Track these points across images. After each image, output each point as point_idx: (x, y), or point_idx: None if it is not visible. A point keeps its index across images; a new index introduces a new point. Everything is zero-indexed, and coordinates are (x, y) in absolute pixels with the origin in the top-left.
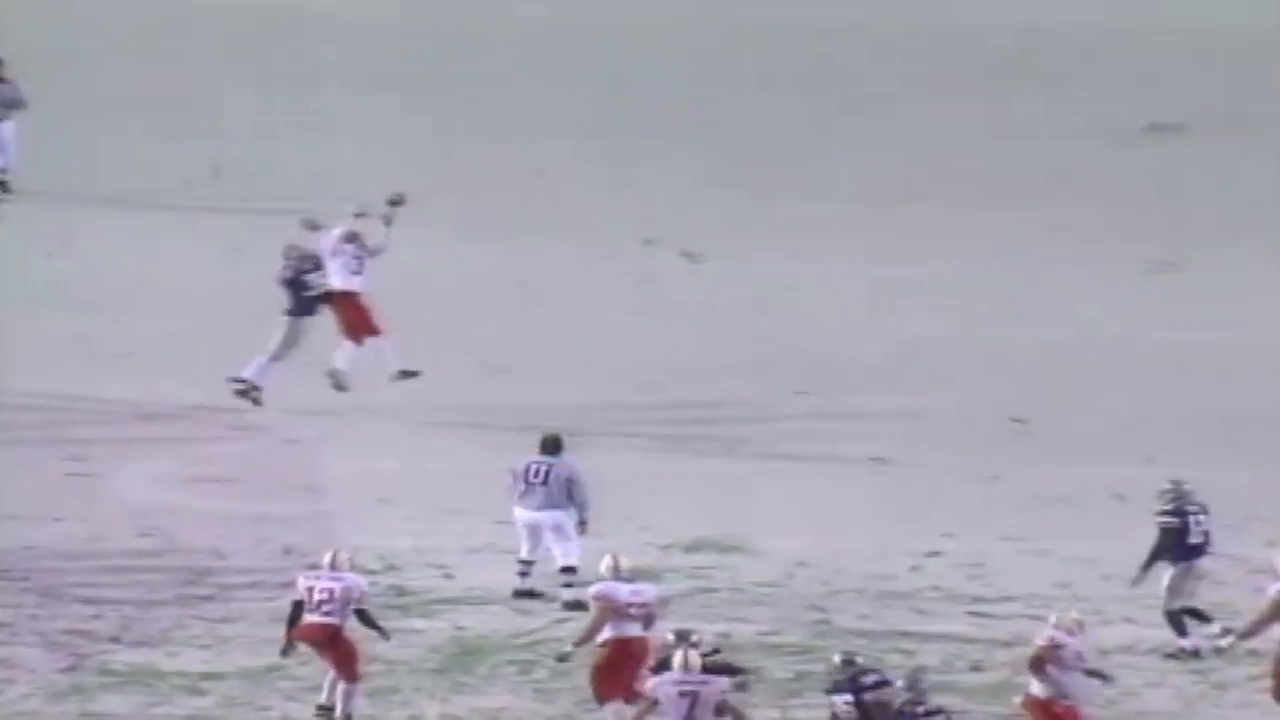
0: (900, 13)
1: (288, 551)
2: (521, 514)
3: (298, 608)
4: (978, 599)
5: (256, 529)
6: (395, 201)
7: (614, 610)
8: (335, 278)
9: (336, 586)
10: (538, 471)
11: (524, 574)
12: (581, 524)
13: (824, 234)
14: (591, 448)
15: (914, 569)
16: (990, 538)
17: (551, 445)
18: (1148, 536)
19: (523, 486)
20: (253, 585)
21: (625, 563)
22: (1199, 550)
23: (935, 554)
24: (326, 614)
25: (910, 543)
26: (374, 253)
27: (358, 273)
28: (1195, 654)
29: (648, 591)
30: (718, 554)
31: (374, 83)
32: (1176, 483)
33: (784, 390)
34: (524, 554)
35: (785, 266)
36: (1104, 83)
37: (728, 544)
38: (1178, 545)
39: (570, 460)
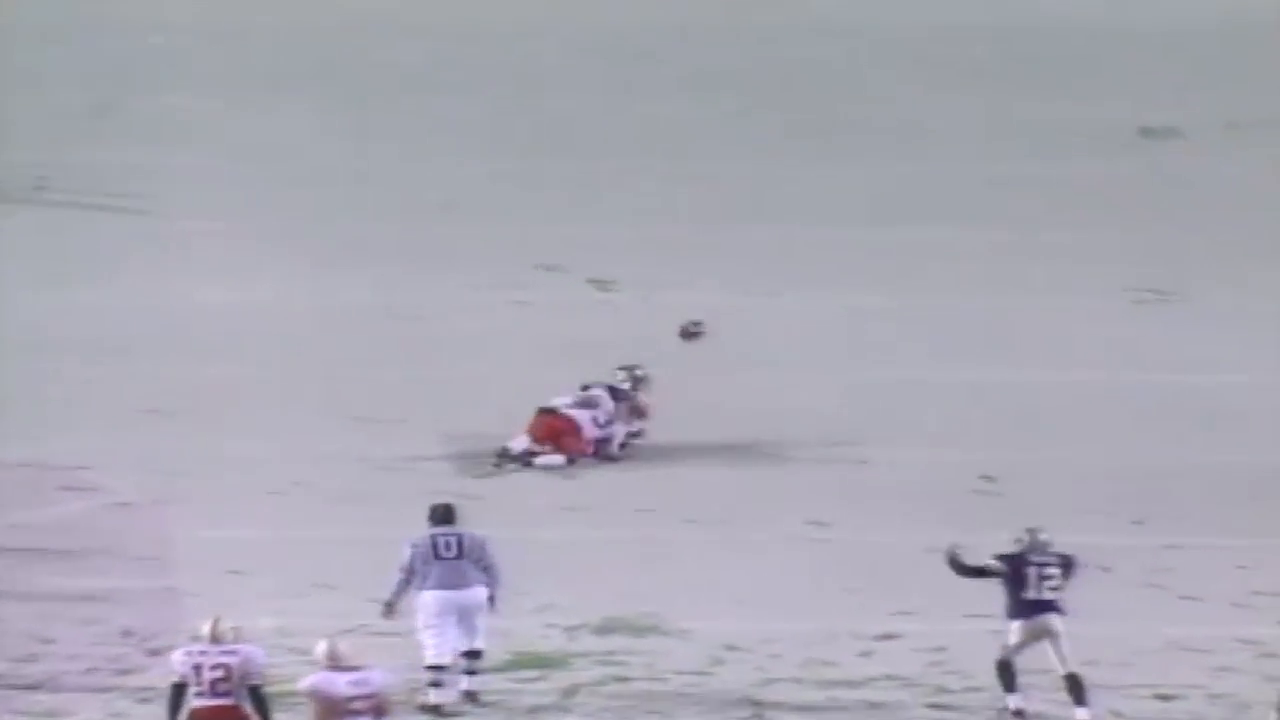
0: (859, 11)
1: (126, 634)
2: (438, 597)
3: (179, 691)
4: (940, 689)
5: (87, 608)
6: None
7: (332, 708)
8: None
9: (232, 661)
10: (449, 544)
11: (438, 684)
12: (491, 600)
13: (758, 260)
14: (482, 509)
15: (864, 654)
16: (954, 616)
17: (444, 516)
18: (1140, 614)
19: (432, 565)
20: (86, 673)
21: (344, 647)
22: (1043, 607)
23: (889, 636)
24: (222, 694)
25: (859, 623)
26: None
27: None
28: (1019, 716)
29: (372, 680)
30: (632, 636)
31: (222, 84)
32: (1031, 531)
33: (707, 440)
34: (433, 655)
35: (711, 296)
36: (1089, 85)
37: (644, 624)
38: (1013, 598)
39: (473, 532)
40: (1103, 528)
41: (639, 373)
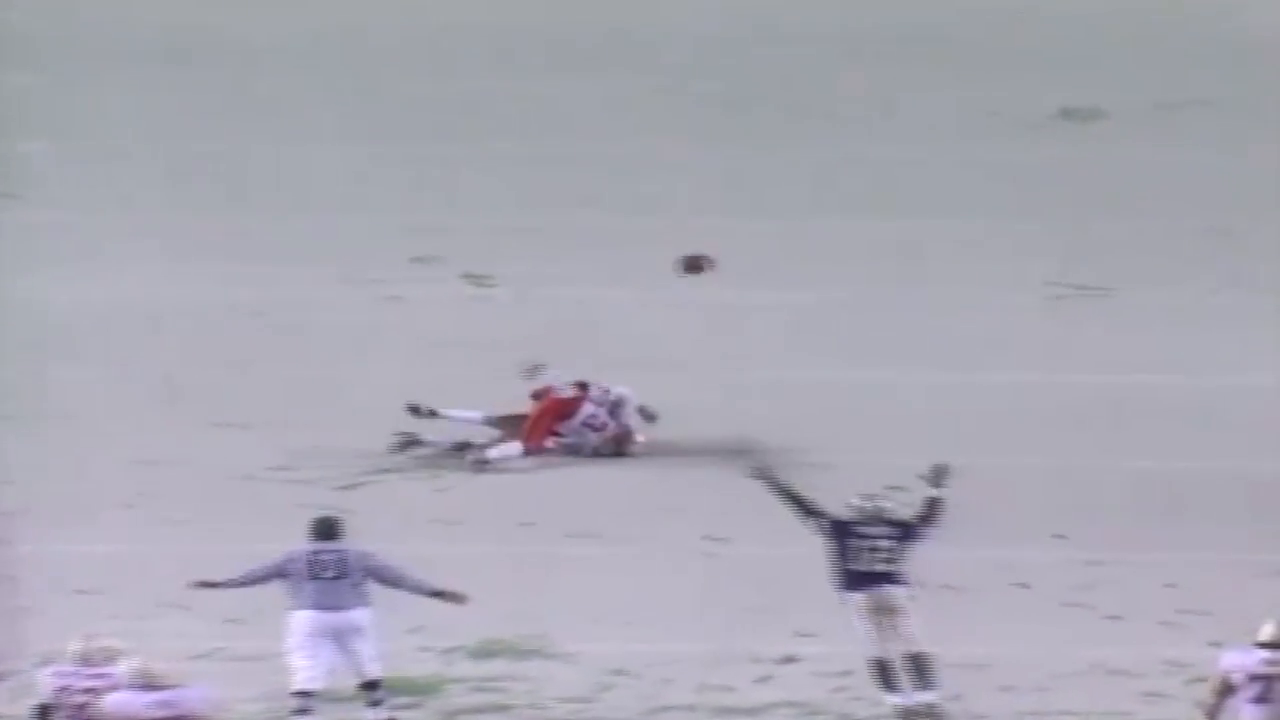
0: None
1: None
2: (311, 619)
3: (44, 713)
4: (844, 717)
5: None
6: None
7: None
8: None
9: (99, 685)
10: (327, 563)
11: (305, 711)
12: (439, 594)
13: (647, 252)
14: (350, 522)
15: (762, 679)
16: (860, 638)
17: (324, 530)
18: (1061, 634)
19: (307, 583)
20: None
21: (155, 666)
22: (876, 578)
23: (790, 660)
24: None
25: (757, 645)
26: None
27: None
28: (925, 714)
29: (181, 701)
30: (513, 660)
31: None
32: (869, 498)
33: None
34: (301, 680)
35: (597, 291)
36: (1004, 62)
37: (525, 647)
38: (838, 569)
39: (359, 547)
40: (1019, 542)
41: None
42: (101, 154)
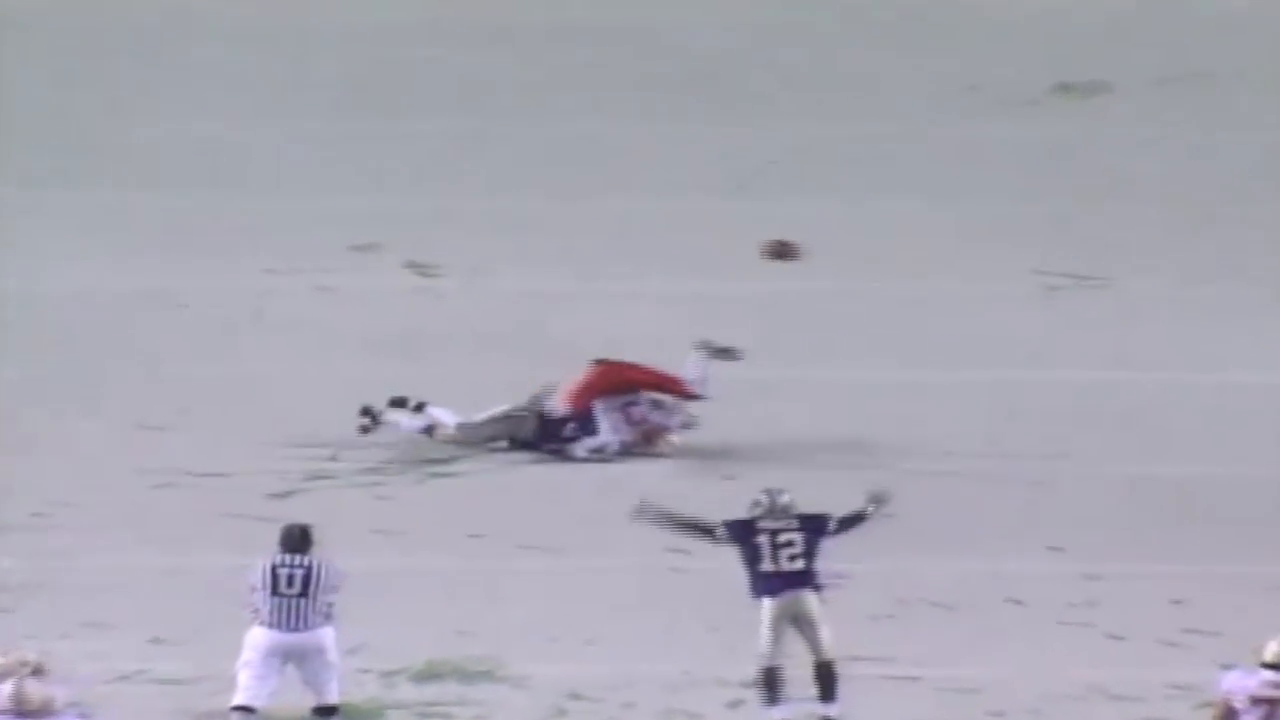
0: None
1: None
2: (267, 637)
3: None
4: None
5: None
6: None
7: None
8: None
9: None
10: (291, 578)
11: None
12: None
13: (608, 239)
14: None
15: (732, 704)
16: (837, 656)
17: (293, 541)
18: (1058, 654)
19: (269, 598)
20: None
21: (30, 688)
22: (790, 580)
23: None
24: None
25: (725, 668)
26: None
27: None
28: None
29: None
30: (460, 683)
31: None
32: (769, 493)
33: (549, 455)
34: (242, 696)
35: (553, 282)
36: (996, 33)
37: (474, 668)
38: (751, 573)
39: (328, 559)
40: (1012, 554)
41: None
42: (2, 129)
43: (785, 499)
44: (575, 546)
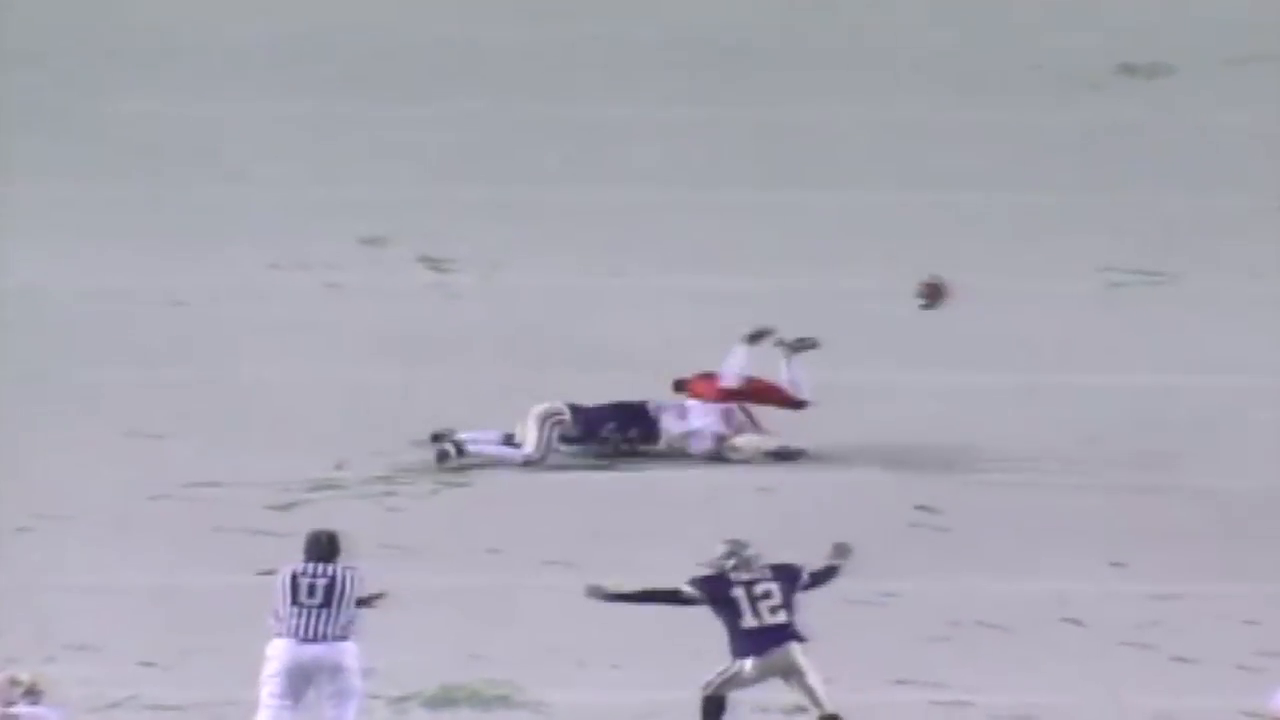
0: None
1: None
2: (289, 650)
3: None
4: None
5: None
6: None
7: None
8: None
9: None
10: (313, 587)
11: None
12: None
13: (636, 231)
14: (284, 549)
15: None
16: (882, 681)
17: (318, 549)
18: (1122, 679)
19: (290, 610)
20: None
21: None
22: (775, 635)
23: (801, 709)
24: None
25: (762, 693)
26: None
27: None
28: None
29: None
30: (476, 709)
31: None
32: (734, 544)
33: (569, 462)
34: (267, 718)
35: (576, 278)
36: (1056, 11)
37: (490, 693)
38: (732, 632)
39: (355, 568)
40: (1072, 571)
41: None
42: None
43: (751, 551)
44: (600, 562)
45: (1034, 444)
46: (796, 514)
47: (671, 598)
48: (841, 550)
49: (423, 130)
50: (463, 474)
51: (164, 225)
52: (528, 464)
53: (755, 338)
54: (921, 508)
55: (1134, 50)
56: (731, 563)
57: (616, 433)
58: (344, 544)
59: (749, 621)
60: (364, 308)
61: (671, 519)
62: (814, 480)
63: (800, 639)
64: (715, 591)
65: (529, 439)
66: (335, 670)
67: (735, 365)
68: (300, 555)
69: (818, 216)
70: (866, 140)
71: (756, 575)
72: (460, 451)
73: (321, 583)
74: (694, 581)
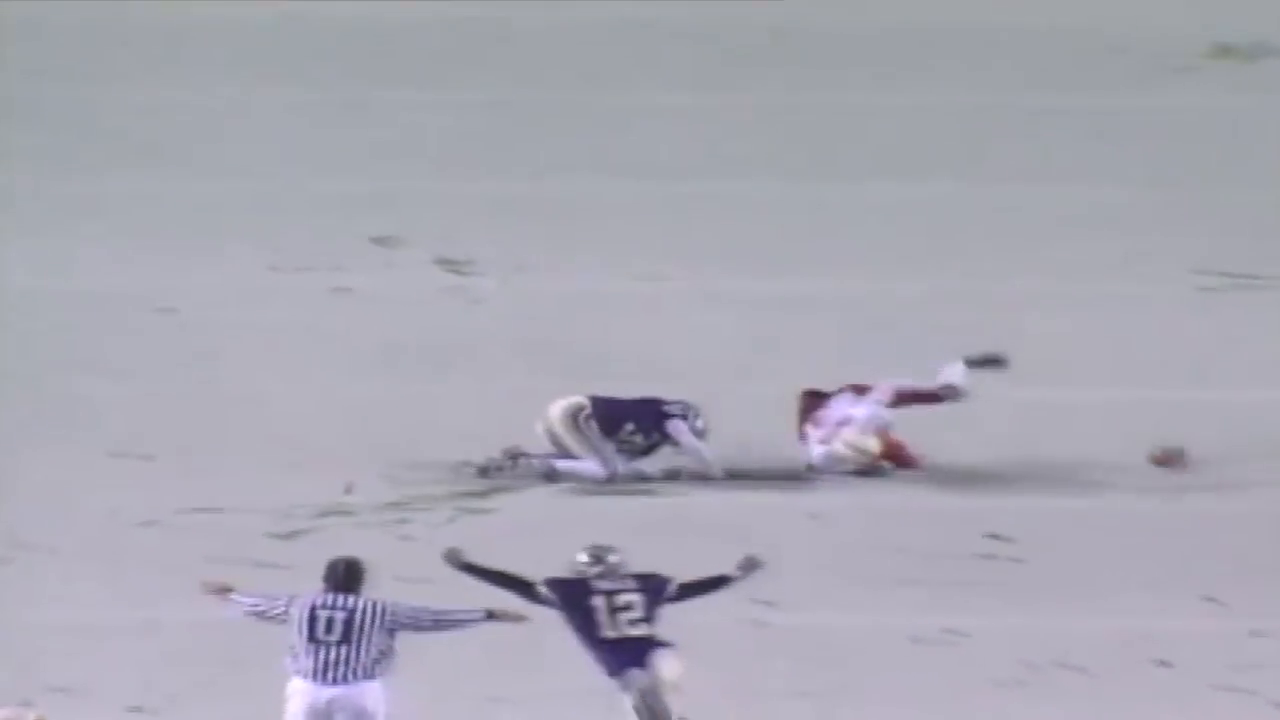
0: None
1: None
2: (308, 693)
3: None
4: None
5: None
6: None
7: None
8: None
9: None
10: (331, 621)
11: None
12: (488, 614)
13: (670, 229)
14: (287, 580)
15: None
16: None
17: (346, 577)
18: None
19: (305, 646)
20: None
21: None
22: (637, 648)
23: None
24: None
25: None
26: None
27: None
28: None
29: None
30: None
31: None
32: (597, 549)
33: (602, 488)
34: None
35: (605, 280)
36: None
37: None
38: (589, 645)
39: (383, 599)
40: (1160, 607)
41: None
42: None
43: (615, 557)
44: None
45: (1116, 465)
46: (851, 544)
47: (524, 590)
48: (748, 564)
49: (440, 118)
50: (484, 499)
51: (151, 222)
52: (612, 478)
53: (981, 363)
54: (992, 536)
55: (1230, 29)
56: (595, 569)
57: (636, 434)
58: (365, 573)
59: (606, 633)
60: (374, 314)
61: (709, 549)
62: (870, 505)
63: (665, 645)
64: (571, 596)
65: (577, 449)
66: (357, 714)
67: (950, 376)
68: (307, 587)
69: (871, 213)
70: (924, 129)
71: (620, 585)
72: (516, 461)
73: (340, 616)
74: (551, 582)
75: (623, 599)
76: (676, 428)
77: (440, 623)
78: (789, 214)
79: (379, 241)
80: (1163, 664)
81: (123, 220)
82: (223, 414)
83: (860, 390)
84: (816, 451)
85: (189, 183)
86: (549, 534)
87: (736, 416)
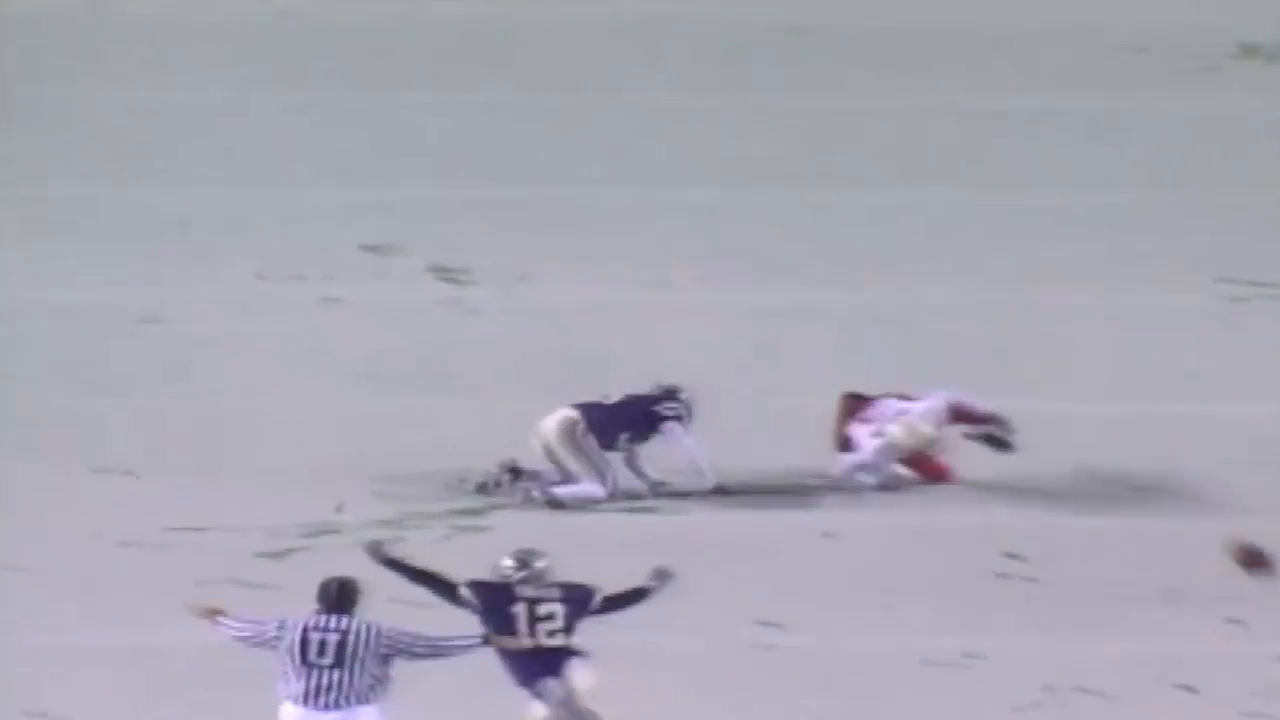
0: None
1: None
2: (296, 717)
3: None
4: None
5: None
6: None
7: None
8: None
9: None
10: (323, 645)
11: None
12: (484, 639)
13: (676, 236)
14: (275, 600)
15: None
16: None
17: (340, 598)
18: None
19: (296, 671)
20: None
21: None
22: (552, 660)
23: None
24: None
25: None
26: None
27: None
28: None
29: None
30: None
31: None
32: (524, 555)
33: (602, 507)
34: None
35: (609, 291)
36: None
37: None
38: (504, 654)
39: (377, 622)
40: (1184, 630)
41: None
42: None
43: (541, 564)
44: (636, 618)
45: (1138, 481)
46: (865, 565)
47: (445, 591)
48: (659, 574)
49: (436, 121)
50: (480, 516)
51: (134, 230)
52: (612, 495)
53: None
54: (1009, 555)
55: (1256, 28)
56: (520, 574)
57: (631, 443)
58: (359, 593)
59: (522, 641)
60: (367, 325)
61: (715, 569)
62: (885, 524)
63: (581, 655)
64: (492, 602)
65: (576, 466)
66: None
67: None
68: (298, 608)
69: (888, 220)
70: (943, 133)
71: (543, 593)
72: (515, 476)
73: (333, 639)
74: (473, 585)
75: (544, 608)
76: (672, 432)
77: (437, 650)
78: (803, 221)
79: (371, 249)
80: (1187, 688)
81: (102, 227)
82: (209, 429)
83: (906, 398)
84: (867, 447)
85: (172, 187)
86: (550, 553)
87: (740, 428)
